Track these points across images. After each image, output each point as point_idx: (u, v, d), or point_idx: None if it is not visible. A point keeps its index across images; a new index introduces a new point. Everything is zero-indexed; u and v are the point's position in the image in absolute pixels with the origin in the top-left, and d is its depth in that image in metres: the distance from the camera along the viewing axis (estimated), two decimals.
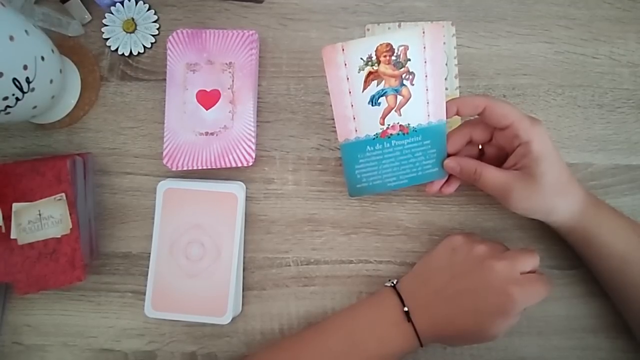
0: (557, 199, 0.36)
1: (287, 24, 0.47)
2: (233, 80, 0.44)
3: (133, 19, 0.47)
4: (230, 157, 0.43)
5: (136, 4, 0.47)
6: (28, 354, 0.44)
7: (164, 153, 0.43)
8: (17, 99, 0.37)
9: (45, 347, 0.44)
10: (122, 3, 0.47)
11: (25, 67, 0.37)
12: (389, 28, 0.46)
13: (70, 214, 0.40)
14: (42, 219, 0.40)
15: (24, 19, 0.38)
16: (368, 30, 0.46)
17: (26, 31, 0.37)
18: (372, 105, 0.37)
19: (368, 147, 0.38)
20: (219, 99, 0.44)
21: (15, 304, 0.45)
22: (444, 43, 0.39)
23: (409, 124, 0.38)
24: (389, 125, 0.37)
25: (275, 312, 0.43)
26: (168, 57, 0.44)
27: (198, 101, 0.44)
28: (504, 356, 0.42)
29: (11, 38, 0.35)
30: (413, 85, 0.37)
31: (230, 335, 0.43)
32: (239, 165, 0.42)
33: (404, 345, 0.37)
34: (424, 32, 0.35)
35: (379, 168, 0.39)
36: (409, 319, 0.37)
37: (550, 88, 0.45)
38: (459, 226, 0.44)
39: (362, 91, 0.36)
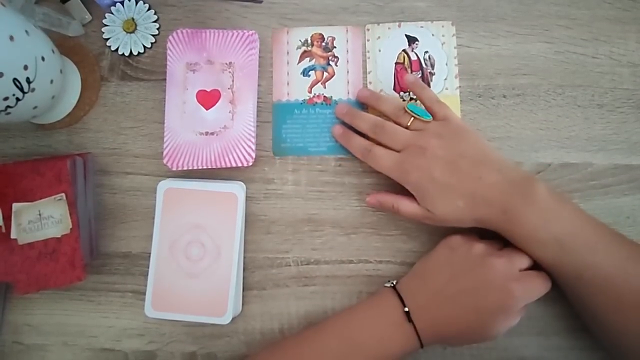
0: (454, 221, 0.38)
1: (287, 24, 0.47)
2: (233, 80, 0.44)
3: (133, 19, 0.47)
4: (230, 157, 0.43)
5: (136, 4, 0.47)
6: (28, 354, 0.44)
7: (164, 153, 0.43)
8: (18, 99, 0.37)
9: (46, 346, 0.44)
10: (122, 3, 0.47)
11: (25, 67, 0.37)
12: (389, 28, 0.46)
13: (70, 214, 0.40)
14: (42, 219, 0.40)
15: (24, 19, 0.38)
16: (368, 30, 0.46)
17: (26, 31, 0.37)
18: (304, 75, 0.46)
19: (296, 110, 0.45)
20: (219, 99, 0.44)
21: (16, 304, 0.45)
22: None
23: (331, 96, 0.45)
24: (315, 94, 0.45)
25: (275, 312, 0.43)
26: (168, 57, 0.44)
27: (198, 101, 0.44)
28: (504, 356, 0.42)
29: (11, 38, 0.35)
30: (337, 66, 0.46)
31: (230, 335, 0.43)
32: (239, 165, 0.43)
33: (405, 346, 0.37)
34: (347, 31, 0.46)
35: (303, 132, 0.45)
36: (410, 319, 0.37)
37: (550, 88, 0.45)
38: None
39: (297, 63, 0.46)
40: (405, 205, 0.40)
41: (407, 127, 0.40)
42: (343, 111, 0.44)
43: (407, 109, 0.40)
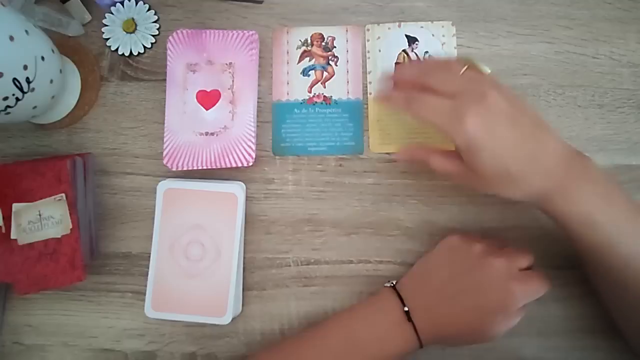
0: (503, 188, 0.34)
1: (287, 24, 0.47)
2: (233, 81, 0.44)
3: (133, 19, 0.47)
4: (231, 157, 0.43)
5: (136, 4, 0.47)
6: (28, 354, 0.44)
7: (164, 153, 0.43)
8: (17, 99, 0.37)
9: (46, 347, 0.44)
10: (122, 3, 0.47)
11: (25, 67, 0.37)
12: (389, 28, 0.46)
13: (70, 214, 0.40)
14: (42, 219, 0.40)
15: (24, 19, 0.38)
16: (368, 30, 0.46)
17: (26, 31, 0.37)
18: (303, 75, 0.46)
19: (295, 109, 0.45)
20: (219, 99, 0.44)
21: (16, 304, 0.45)
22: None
23: (331, 96, 0.45)
24: (315, 94, 0.45)
25: (275, 312, 0.43)
26: (168, 57, 0.44)
27: (198, 101, 0.44)
28: (504, 356, 0.42)
29: (11, 38, 0.35)
30: (337, 66, 0.46)
31: (230, 336, 0.43)
32: (239, 165, 0.43)
33: (404, 346, 0.37)
34: (347, 30, 0.46)
35: (303, 131, 0.45)
36: (409, 319, 0.37)
37: (550, 88, 0.45)
38: (459, 226, 0.44)
39: (297, 63, 0.46)
40: (438, 161, 0.36)
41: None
42: (391, 74, 0.40)
43: (461, 58, 0.36)
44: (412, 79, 0.37)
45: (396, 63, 0.46)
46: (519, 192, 0.34)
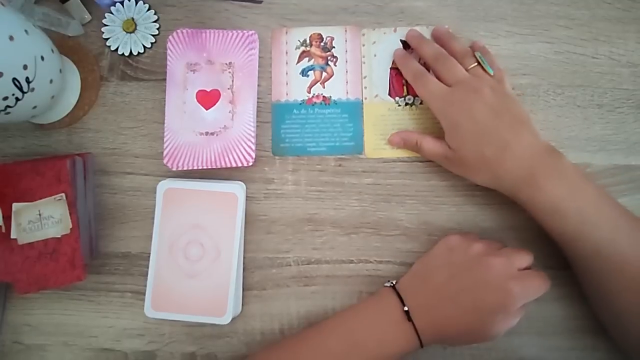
0: (478, 171, 0.39)
1: (287, 24, 0.47)
2: (233, 80, 0.44)
3: (133, 19, 0.47)
4: (230, 157, 0.43)
5: (136, 4, 0.47)
6: (28, 354, 0.44)
7: (164, 153, 0.43)
8: (17, 99, 0.37)
9: (45, 346, 0.44)
10: (122, 3, 0.47)
11: (25, 67, 0.37)
12: (384, 33, 0.46)
13: (70, 214, 0.40)
14: (42, 219, 0.40)
15: (24, 19, 0.38)
16: (363, 35, 0.46)
17: (26, 31, 0.37)
18: (302, 75, 0.46)
19: (295, 110, 0.45)
20: (219, 99, 0.44)
21: (16, 304, 0.45)
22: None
23: (330, 96, 0.45)
24: (314, 94, 0.45)
25: (275, 312, 0.43)
26: (168, 57, 0.44)
27: (198, 101, 0.44)
28: (504, 356, 0.42)
29: (11, 38, 0.35)
30: (336, 66, 0.46)
31: (230, 336, 0.43)
32: (239, 165, 0.43)
33: (404, 346, 0.37)
34: (346, 31, 0.46)
35: (302, 131, 0.45)
36: (409, 319, 0.37)
37: (549, 88, 0.45)
38: (457, 226, 0.44)
39: (296, 63, 0.46)
40: (429, 142, 0.41)
41: (466, 70, 0.41)
42: (413, 34, 0.44)
43: (475, 54, 0.41)
44: (425, 57, 0.43)
45: (391, 68, 0.46)
46: (488, 175, 0.39)
